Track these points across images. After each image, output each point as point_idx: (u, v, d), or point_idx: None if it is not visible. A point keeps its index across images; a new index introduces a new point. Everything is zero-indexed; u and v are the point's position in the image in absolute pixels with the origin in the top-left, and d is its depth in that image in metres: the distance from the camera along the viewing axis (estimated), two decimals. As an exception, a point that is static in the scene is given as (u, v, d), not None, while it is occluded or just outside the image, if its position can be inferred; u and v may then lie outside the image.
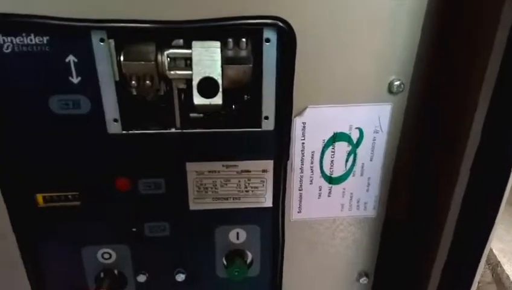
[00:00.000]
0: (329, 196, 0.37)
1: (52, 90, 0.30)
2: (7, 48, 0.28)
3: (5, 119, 0.31)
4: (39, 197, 0.34)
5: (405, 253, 0.41)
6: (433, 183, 0.35)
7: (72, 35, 0.28)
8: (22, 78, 0.29)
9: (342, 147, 0.34)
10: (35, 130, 0.31)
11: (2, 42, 0.28)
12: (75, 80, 0.30)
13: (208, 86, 0.29)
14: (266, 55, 0.30)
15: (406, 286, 0.43)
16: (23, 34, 0.28)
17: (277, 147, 0.34)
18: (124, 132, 0.32)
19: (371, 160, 0.35)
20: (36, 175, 0.33)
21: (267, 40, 0.30)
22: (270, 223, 0.38)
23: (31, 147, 0.32)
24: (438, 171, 0.34)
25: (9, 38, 0.28)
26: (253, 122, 0.33)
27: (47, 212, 0.35)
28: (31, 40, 0.28)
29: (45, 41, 0.28)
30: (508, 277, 0.71)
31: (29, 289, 0.38)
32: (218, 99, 0.30)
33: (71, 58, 0.29)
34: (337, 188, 0.36)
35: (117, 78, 0.30)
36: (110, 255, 0.38)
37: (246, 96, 0.33)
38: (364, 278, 0.41)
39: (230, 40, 0.30)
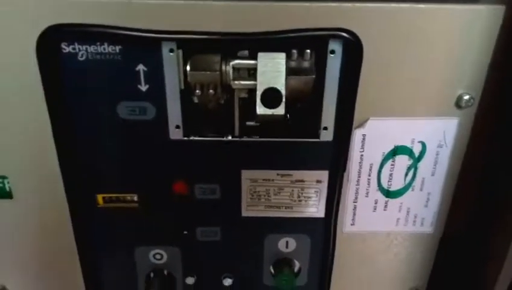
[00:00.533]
0: (385, 209, 0.36)
1: (121, 97, 0.31)
2: (81, 56, 0.29)
3: (76, 122, 0.32)
4: (99, 198, 0.36)
5: (460, 272, 0.40)
6: (497, 204, 0.33)
7: (144, 45, 0.29)
8: (93, 84, 0.30)
9: (403, 161, 0.33)
10: (103, 134, 0.32)
11: (77, 50, 0.29)
12: (143, 87, 0.30)
13: (271, 97, 0.29)
14: (330, 67, 0.30)
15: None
16: (97, 43, 0.29)
17: (334, 158, 0.34)
18: (185, 138, 0.33)
19: (432, 175, 0.34)
20: (99, 176, 0.34)
21: (332, 52, 0.30)
22: (322, 233, 0.38)
23: (97, 149, 0.33)
24: (503, 193, 0.33)
25: (84, 47, 0.29)
26: (312, 133, 0.33)
27: (106, 212, 0.36)
28: (104, 49, 0.29)
29: (117, 51, 0.29)
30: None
31: (83, 285, 0.39)
32: (281, 110, 0.30)
33: (141, 67, 0.30)
34: (393, 202, 0.36)
35: (182, 87, 0.31)
36: (162, 255, 0.39)
37: (306, 106, 0.33)
38: (415, 294, 0.40)
39: (294, 51, 0.30)
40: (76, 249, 0.37)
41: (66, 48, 0.29)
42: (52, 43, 0.29)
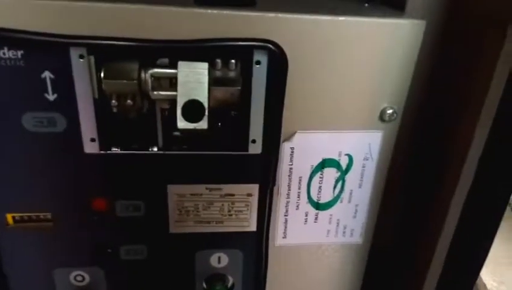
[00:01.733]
0: (315, 221, 0.36)
1: (26, 107, 0.28)
2: (-22, 61, 0.26)
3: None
4: (9, 217, 0.32)
5: (390, 280, 0.40)
6: (422, 214, 0.34)
7: (49, 50, 0.26)
8: (-8, 93, 0.27)
9: (331, 173, 0.33)
10: (7, 148, 0.29)
11: (-28, 54, 0.26)
12: (51, 96, 0.28)
13: (193, 110, 0.28)
14: (256, 78, 0.29)
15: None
16: (-4, 47, 0.26)
17: (263, 171, 0.33)
18: (101, 151, 0.30)
19: (359, 187, 0.34)
20: (7, 194, 0.31)
21: (258, 63, 0.29)
22: (254, 247, 0.37)
23: (3, 164, 0.30)
24: (428, 203, 0.33)
25: (-20, 51, 0.26)
26: (240, 145, 0.32)
27: (16, 233, 0.33)
28: (3, 54, 0.26)
29: (19, 56, 0.26)
30: (484, 285, 0.71)
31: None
32: (203, 124, 0.28)
33: (47, 74, 0.27)
34: (323, 214, 0.35)
35: (96, 96, 0.28)
36: (83, 277, 0.36)
37: (232, 118, 0.31)
38: (348, 304, 0.41)
39: (218, 60, 0.29)
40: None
41: (-42, 52, 0.26)
42: None
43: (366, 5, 0.35)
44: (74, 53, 0.26)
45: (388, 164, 0.34)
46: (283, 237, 0.36)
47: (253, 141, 0.32)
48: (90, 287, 0.36)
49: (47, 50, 0.26)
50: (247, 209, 0.35)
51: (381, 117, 0.31)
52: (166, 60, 0.28)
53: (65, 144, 0.29)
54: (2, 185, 0.31)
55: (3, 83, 0.27)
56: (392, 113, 0.31)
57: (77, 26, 0.26)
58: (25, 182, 0.31)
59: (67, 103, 0.28)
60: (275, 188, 0.34)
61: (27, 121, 0.28)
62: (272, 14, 0.27)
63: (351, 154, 0.33)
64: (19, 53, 0.26)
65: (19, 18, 0.25)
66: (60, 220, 0.33)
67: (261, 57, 0.29)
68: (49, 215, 0.32)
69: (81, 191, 0.32)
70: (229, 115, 0.31)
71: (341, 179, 0.34)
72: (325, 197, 0.35)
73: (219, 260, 0.37)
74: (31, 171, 0.30)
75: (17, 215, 0.32)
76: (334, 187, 0.34)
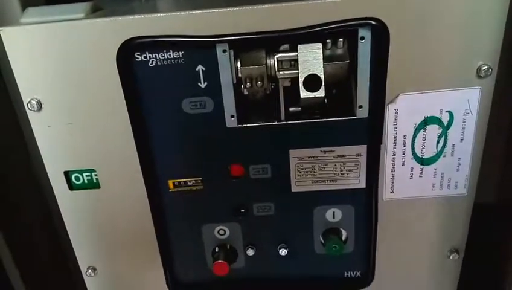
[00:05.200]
0: (420, 176, 0.40)
1: (184, 94, 0.37)
2: (152, 63, 0.36)
3: (148, 119, 0.38)
4: (170, 183, 0.42)
5: (494, 232, 0.42)
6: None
7: (202, 48, 0.35)
8: (161, 85, 0.37)
9: (433, 130, 0.37)
10: (170, 127, 0.39)
11: (148, 58, 0.35)
12: (203, 84, 0.36)
13: (312, 82, 0.34)
14: (361, 52, 0.34)
15: (496, 263, 0.44)
16: (164, 51, 0.35)
17: (370, 132, 0.38)
18: (239, 125, 0.38)
19: (461, 141, 0.38)
20: (169, 164, 0.41)
21: (362, 38, 0.34)
22: (364, 203, 0.42)
23: (166, 141, 0.39)
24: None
25: (153, 55, 0.35)
26: (349, 111, 0.38)
27: (176, 195, 0.42)
28: (169, 55, 0.35)
29: (180, 55, 0.35)
30: None
31: (159, 260, 0.45)
32: (321, 93, 0.35)
33: (200, 68, 0.36)
34: (428, 169, 0.39)
35: (235, 82, 0.36)
36: (225, 231, 0.44)
37: (342, 88, 0.37)
38: (455, 254, 0.44)
39: (329, 41, 0.35)
40: (154, 229, 0.43)
41: (139, 57, 0.35)
42: (127, 53, 0.35)
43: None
44: (219, 49, 0.35)
45: (487, 118, 0.37)
46: (391, 192, 0.41)
47: (360, 107, 0.37)
48: (230, 240, 0.45)
49: (200, 48, 0.35)
50: (357, 168, 0.40)
51: (478, 74, 0.35)
52: (287, 46, 0.35)
53: (212, 121, 0.38)
54: (165, 157, 0.40)
55: (168, 77, 0.36)
56: (488, 69, 0.34)
57: (219, 27, 0.34)
58: (182, 154, 0.40)
59: (214, 89, 0.36)
60: (382, 147, 0.39)
61: (185, 105, 0.37)
62: (372, -6, 0.32)
63: (452, 111, 0.36)
64: (180, 53, 0.35)
65: (176, 26, 0.34)
66: (208, 184, 0.41)
67: (365, 33, 0.34)
68: (199, 180, 0.41)
69: (223, 159, 0.40)
70: (339, 85, 0.37)
71: (443, 134, 0.37)
72: (429, 153, 0.38)
73: (334, 215, 0.43)
74: (187, 145, 0.40)
75: (176, 181, 0.42)
76: (437, 143, 0.38)
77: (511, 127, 0.37)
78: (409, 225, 0.42)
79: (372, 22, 0.33)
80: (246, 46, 0.35)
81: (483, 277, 0.46)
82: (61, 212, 0.43)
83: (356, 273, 0.46)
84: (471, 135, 0.37)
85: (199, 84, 0.36)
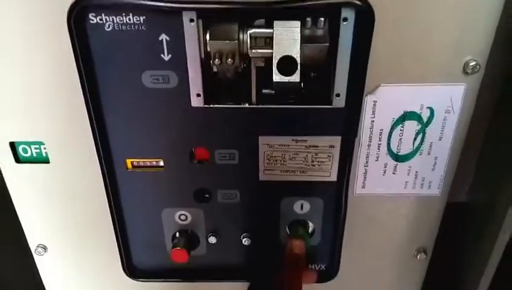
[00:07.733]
0: (394, 173, 0.38)
1: (145, 66, 0.33)
2: (108, 27, 0.32)
3: (103, 90, 0.34)
4: (128, 162, 0.39)
5: (464, 234, 0.41)
6: (499, 170, 0.35)
7: (166, 15, 0.31)
8: (118, 54, 0.33)
9: (411, 126, 0.35)
10: (129, 102, 0.35)
11: (104, 21, 0.31)
12: (166, 57, 0.33)
13: (287, 65, 0.31)
14: (343, 34, 0.31)
15: (463, 265, 0.43)
16: (123, 14, 0.31)
17: (346, 124, 0.36)
18: (205, 105, 0.35)
19: (439, 139, 0.36)
20: (127, 142, 0.37)
21: (345, 19, 0.31)
22: (334, 196, 0.40)
23: (124, 116, 0.36)
24: (504, 158, 0.34)
25: (110, 18, 0.31)
26: (324, 99, 0.35)
27: (134, 176, 0.39)
28: (129, 19, 0.31)
29: (142, 21, 0.31)
30: None
31: (116, 245, 0.43)
32: (296, 77, 0.31)
33: (164, 37, 0.32)
34: (402, 166, 0.37)
35: (202, 56, 0.33)
36: (186, 217, 0.42)
37: (319, 73, 0.34)
38: (422, 254, 0.43)
39: (309, 19, 0.31)
40: (109, 210, 0.40)
41: (94, 19, 0.31)
42: (80, 14, 0.31)
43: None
44: (186, 17, 0.31)
45: (470, 118, 0.35)
46: (362, 187, 0.39)
47: (337, 95, 0.34)
48: (192, 226, 0.42)
49: (164, 15, 0.31)
50: (329, 160, 0.38)
51: (464, 69, 0.32)
52: (262, 21, 0.32)
53: (176, 98, 0.34)
54: (123, 134, 0.37)
55: (126, 45, 0.32)
56: (475, 65, 0.32)
57: (188, -6, 0.30)
58: (142, 132, 0.37)
59: (179, 63, 0.33)
60: (356, 140, 0.36)
61: (145, 78, 0.34)
62: (359, -28, 0.29)
63: (433, 107, 0.34)
64: (142, 18, 0.31)
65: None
66: (169, 166, 0.38)
67: (348, 13, 0.31)
68: (161, 162, 0.38)
69: (187, 140, 0.37)
70: (316, 70, 0.34)
71: (421, 131, 0.35)
72: (405, 149, 0.36)
73: (302, 206, 0.41)
74: (147, 122, 0.36)
75: (134, 160, 0.39)
76: (414, 139, 0.36)
77: (489, 128, 0.35)
78: (378, 222, 0.41)
79: (357, 2, 0.30)
80: (216, 17, 0.31)
81: (444, 277, 0.45)
82: (7, 186, 0.40)
83: (320, 267, 0.45)
84: (450, 134, 0.35)
85: (162, 55, 0.33)
